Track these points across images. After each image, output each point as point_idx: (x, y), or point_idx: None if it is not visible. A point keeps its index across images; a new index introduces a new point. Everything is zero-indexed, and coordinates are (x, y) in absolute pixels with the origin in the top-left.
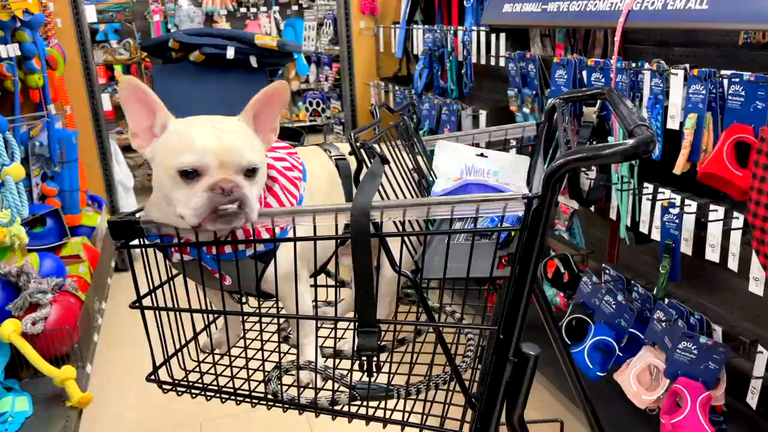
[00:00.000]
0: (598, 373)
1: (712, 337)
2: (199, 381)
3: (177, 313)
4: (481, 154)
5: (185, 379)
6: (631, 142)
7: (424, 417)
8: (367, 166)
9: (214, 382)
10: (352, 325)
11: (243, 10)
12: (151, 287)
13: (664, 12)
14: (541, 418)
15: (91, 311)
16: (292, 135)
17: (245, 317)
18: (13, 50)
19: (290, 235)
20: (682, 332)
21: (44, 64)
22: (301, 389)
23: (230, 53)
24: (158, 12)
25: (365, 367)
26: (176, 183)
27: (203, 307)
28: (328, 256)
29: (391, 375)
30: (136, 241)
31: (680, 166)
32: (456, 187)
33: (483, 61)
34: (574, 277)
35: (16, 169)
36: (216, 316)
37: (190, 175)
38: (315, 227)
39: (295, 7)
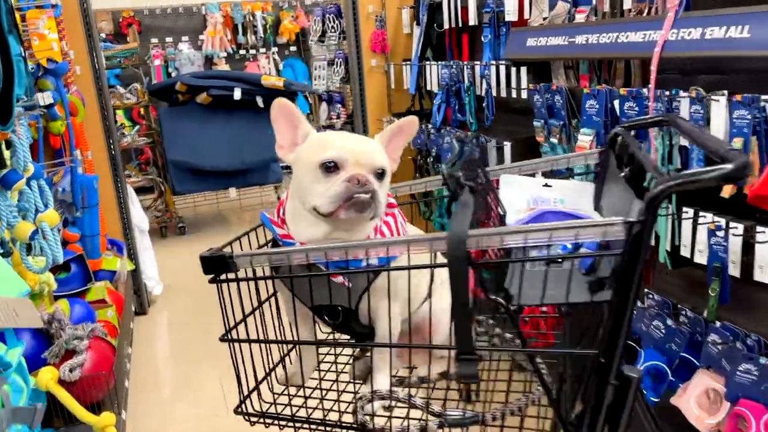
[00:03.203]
0: (652, 399)
1: None
2: (285, 412)
3: (261, 346)
4: (546, 185)
5: (270, 410)
6: (730, 166)
7: None
8: (457, 197)
9: (298, 413)
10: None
11: (242, 52)
12: (235, 320)
13: (702, 41)
14: None
15: (122, 357)
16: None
17: (322, 347)
18: (46, 98)
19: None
20: (743, 354)
21: (67, 111)
22: (389, 417)
23: (237, 94)
24: (159, 56)
25: (463, 395)
26: (316, 177)
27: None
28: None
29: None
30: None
31: (728, 190)
32: (532, 217)
33: (503, 94)
34: None
35: (51, 215)
36: (293, 345)
37: (330, 169)
38: (408, 257)
39: (293, 48)
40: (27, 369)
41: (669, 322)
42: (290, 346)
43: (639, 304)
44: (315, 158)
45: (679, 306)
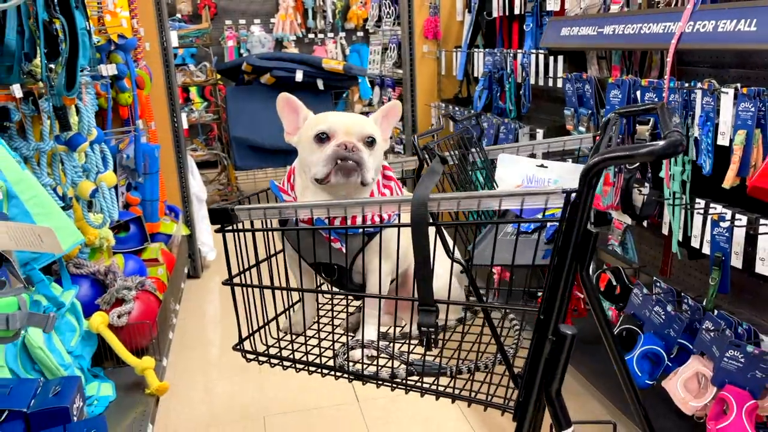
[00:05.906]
0: (646, 381)
1: (760, 347)
2: (278, 354)
3: (262, 293)
4: (542, 165)
5: (266, 352)
6: (662, 143)
7: (473, 393)
8: (428, 165)
9: (291, 356)
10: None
11: (311, 36)
12: (242, 268)
13: (715, 34)
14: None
15: (168, 311)
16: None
17: (321, 298)
18: (110, 70)
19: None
20: (730, 341)
21: (134, 84)
22: (365, 364)
23: (299, 76)
24: (232, 38)
25: (424, 342)
26: (312, 149)
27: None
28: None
29: (442, 358)
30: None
31: (729, 181)
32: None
33: (541, 83)
34: (625, 290)
35: (109, 176)
36: (298, 298)
37: (322, 139)
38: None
39: (360, 33)
40: (81, 312)
41: (669, 308)
42: (295, 299)
43: (645, 291)
44: (310, 132)
45: (682, 294)
